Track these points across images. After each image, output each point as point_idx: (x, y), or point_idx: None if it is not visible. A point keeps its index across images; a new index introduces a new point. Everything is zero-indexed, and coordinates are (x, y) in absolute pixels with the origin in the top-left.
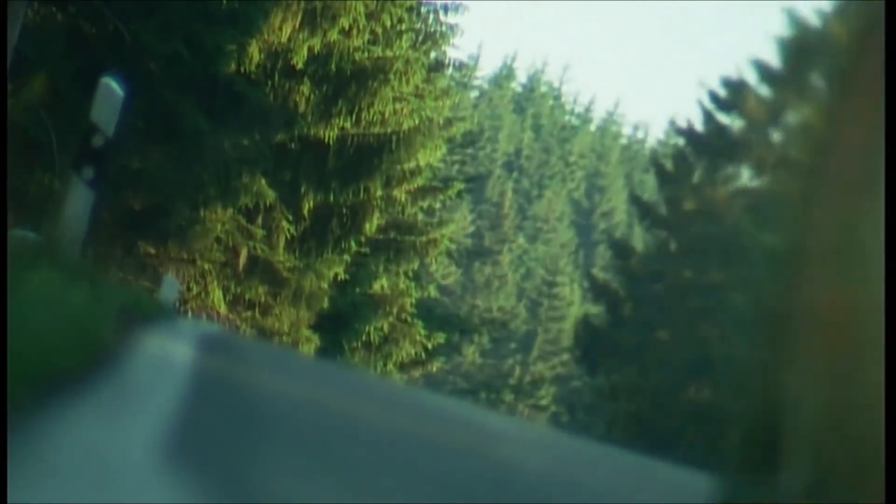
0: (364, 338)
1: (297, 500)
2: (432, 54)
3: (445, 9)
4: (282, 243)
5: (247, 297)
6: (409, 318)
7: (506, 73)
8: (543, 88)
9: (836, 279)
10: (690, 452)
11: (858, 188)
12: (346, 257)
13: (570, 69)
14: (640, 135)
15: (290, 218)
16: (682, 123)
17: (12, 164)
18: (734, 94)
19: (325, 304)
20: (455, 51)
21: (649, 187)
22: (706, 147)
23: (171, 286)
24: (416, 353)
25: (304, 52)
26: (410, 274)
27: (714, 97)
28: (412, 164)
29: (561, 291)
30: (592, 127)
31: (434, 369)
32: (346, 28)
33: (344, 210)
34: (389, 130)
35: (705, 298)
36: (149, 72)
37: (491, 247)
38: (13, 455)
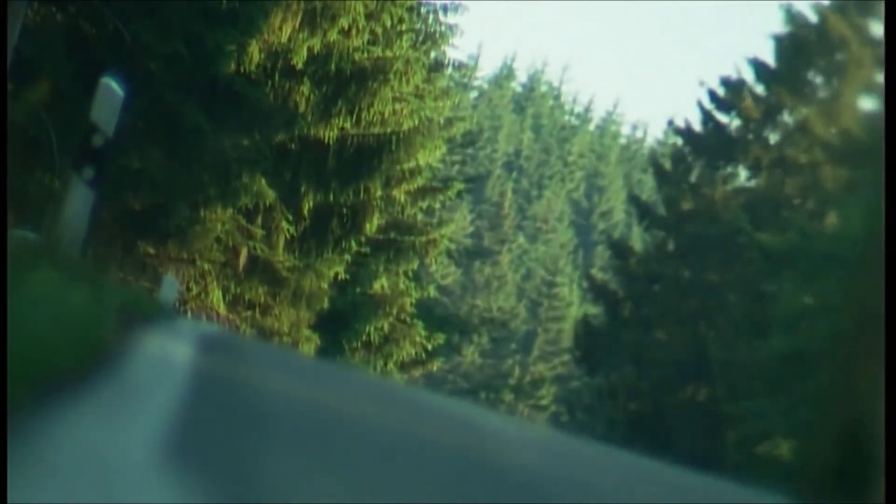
0: (364, 338)
1: (297, 500)
2: (432, 54)
3: (445, 9)
4: (282, 243)
5: (247, 297)
6: (409, 319)
7: (505, 74)
8: (543, 88)
9: None
10: (690, 452)
11: None
12: (346, 257)
13: (569, 69)
14: (639, 134)
15: (290, 218)
16: (681, 123)
17: (12, 164)
18: (733, 94)
19: (325, 304)
20: (455, 51)
21: (648, 187)
22: (705, 147)
23: (170, 286)
24: (416, 353)
25: (304, 52)
26: (410, 274)
27: (713, 97)
28: (412, 165)
29: (560, 292)
30: (592, 127)
31: (434, 369)
32: (346, 28)
33: (344, 210)
34: (389, 131)
35: (704, 298)
36: (149, 72)
37: (491, 247)
38: (13, 455)
